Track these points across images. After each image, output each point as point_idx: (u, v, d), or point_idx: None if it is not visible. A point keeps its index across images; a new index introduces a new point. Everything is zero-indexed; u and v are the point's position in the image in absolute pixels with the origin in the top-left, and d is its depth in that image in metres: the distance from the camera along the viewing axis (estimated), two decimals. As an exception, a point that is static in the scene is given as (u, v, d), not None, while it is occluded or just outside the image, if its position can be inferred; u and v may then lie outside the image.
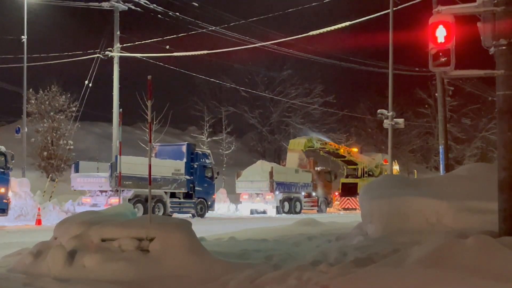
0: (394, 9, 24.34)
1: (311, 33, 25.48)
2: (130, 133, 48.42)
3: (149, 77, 9.38)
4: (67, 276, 7.98)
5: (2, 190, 21.23)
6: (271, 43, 30.28)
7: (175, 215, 26.13)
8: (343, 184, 40.77)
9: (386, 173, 35.36)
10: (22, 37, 29.65)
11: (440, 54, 8.07)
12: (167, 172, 26.11)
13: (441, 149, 17.79)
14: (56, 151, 34.94)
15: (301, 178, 35.43)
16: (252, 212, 33.62)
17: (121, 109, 22.00)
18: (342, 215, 34.53)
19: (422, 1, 22.04)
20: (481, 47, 8.37)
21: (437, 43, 8.09)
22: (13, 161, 22.18)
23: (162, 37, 30.40)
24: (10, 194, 21.79)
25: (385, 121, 25.62)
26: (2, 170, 21.46)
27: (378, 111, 25.91)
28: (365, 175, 40.19)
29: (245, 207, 33.90)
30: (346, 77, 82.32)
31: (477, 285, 5.85)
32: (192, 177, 27.81)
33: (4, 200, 21.39)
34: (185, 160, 27.54)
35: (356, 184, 39.07)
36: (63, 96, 36.10)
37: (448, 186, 10.97)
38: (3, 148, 21.73)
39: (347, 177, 41.59)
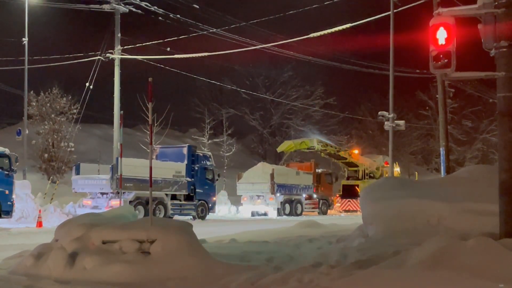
0: (395, 11, 24.39)
1: (312, 35, 25.48)
2: (131, 135, 48.49)
3: (150, 79, 9.39)
4: (68, 278, 7.99)
5: (7, 192, 21.26)
6: (272, 45, 30.26)
7: (176, 217, 26.13)
8: (344, 186, 40.77)
9: (387, 175, 35.36)
10: (23, 39, 29.66)
11: (441, 56, 8.08)
12: (168, 174, 26.09)
13: (442, 151, 17.76)
14: (57, 153, 34.94)
15: (302, 180, 35.43)
16: (253, 214, 33.61)
17: (122, 111, 22.01)
18: (343, 217, 34.53)
19: (423, 3, 22.07)
20: (481, 49, 8.38)
21: (438, 45, 8.10)
22: (17, 164, 22.21)
23: (163, 39, 30.44)
24: (14, 196, 21.81)
25: (386, 123, 25.64)
26: (7, 172, 21.48)
27: (379, 113, 25.94)
28: (366, 177, 40.17)
29: (246, 209, 33.89)
30: (347, 79, 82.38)
31: (478, 287, 5.85)
32: (193, 179, 27.79)
33: (9, 202, 21.42)
34: (186, 162, 27.52)
35: (357, 186, 39.08)
36: (64, 98, 36.12)
37: (449, 188, 10.97)
38: (7, 151, 21.76)
39: (348, 179, 41.58)
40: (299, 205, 34.90)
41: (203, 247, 9.06)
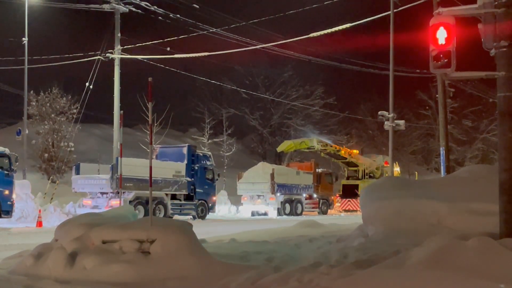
0: (395, 11, 24.38)
1: (312, 34, 25.48)
2: (131, 135, 48.49)
3: (150, 79, 9.39)
4: (68, 278, 7.99)
5: (7, 192, 21.27)
6: (272, 45, 30.27)
7: (176, 217, 26.13)
8: (344, 185, 40.77)
9: (387, 174, 35.36)
10: (23, 39, 29.66)
11: (441, 55, 8.08)
12: (168, 174, 26.08)
13: (442, 150, 17.77)
14: (57, 153, 34.96)
15: (302, 180, 35.43)
16: (253, 214, 33.61)
17: (121, 111, 21.99)
18: (343, 216, 34.52)
19: (423, 3, 22.07)
20: (481, 48, 8.37)
21: (438, 45, 8.09)
22: (17, 163, 22.21)
23: (162, 39, 30.46)
24: (14, 196, 21.81)
25: (386, 122, 25.63)
26: (6, 172, 21.48)
27: (379, 112, 25.93)
28: (366, 176, 40.18)
29: (247, 208, 33.90)
30: (347, 78, 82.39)
31: (477, 287, 5.85)
32: (193, 179, 27.78)
33: (9, 202, 21.42)
34: (186, 162, 27.51)
35: (357, 185, 39.04)
36: (64, 98, 36.14)
37: (449, 187, 10.97)
38: (7, 150, 21.75)
39: (348, 178, 41.59)
40: (299, 205, 34.91)
41: (203, 247, 9.05)
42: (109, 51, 29.96)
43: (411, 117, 55.55)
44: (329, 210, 38.20)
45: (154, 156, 27.63)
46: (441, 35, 8.08)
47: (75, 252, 8.41)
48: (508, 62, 7.89)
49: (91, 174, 25.47)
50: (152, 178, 9.54)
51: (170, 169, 26.37)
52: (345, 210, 39.41)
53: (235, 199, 34.84)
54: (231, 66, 55.01)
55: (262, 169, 34.06)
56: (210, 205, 29.16)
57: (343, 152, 40.09)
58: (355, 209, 37.54)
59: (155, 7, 29.87)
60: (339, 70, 58.16)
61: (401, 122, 26.18)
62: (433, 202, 10.25)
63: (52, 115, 35.42)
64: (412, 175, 51.05)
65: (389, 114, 25.26)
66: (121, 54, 30.15)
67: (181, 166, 27.11)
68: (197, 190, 28.15)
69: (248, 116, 56.11)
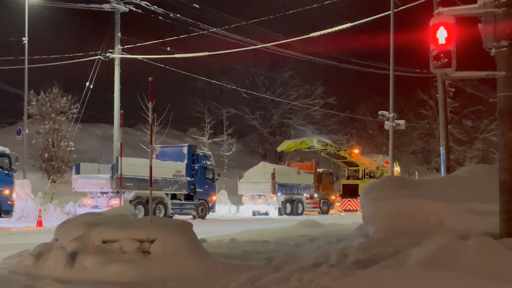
0: (395, 10, 24.37)
1: (312, 34, 25.50)
2: (131, 135, 48.52)
3: (150, 78, 9.39)
4: (68, 277, 7.99)
5: (7, 191, 21.26)
6: (272, 45, 30.28)
7: (176, 216, 26.13)
8: (344, 185, 40.79)
9: (387, 174, 35.35)
10: (23, 38, 29.65)
11: (441, 55, 8.08)
12: (168, 173, 26.09)
13: (442, 150, 17.73)
14: (57, 153, 34.96)
15: (303, 180, 35.44)
16: (254, 213, 33.63)
17: (122, 111, 22.05)
18: (343, 216, 34.53)
19: (423, 3, 22.06)
20: (482, 48, 8.37)
21: (438, 45, 8.09)
22: (17, 163, 22.21)
23: (163, 38, 30.48)
24: (14, 195, 21.82)
25: (386, 122, 25.61)
26: (6, 172, 21.48)
27: (379, 112, 25.91)
28: (366, 176, 40.19)
29: (247, 208, 33.91)
30: (347, 78, 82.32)
31: (478, 287, 5.85)
32: (193, 178, 27.79)
33: (9, 202, 21.43)
34: (186, 161, 27.53)
35: (357, 185, 39.06)
36: (64, 98, 36.14)
37: (449, 187, 10.95)
38: (7, 150, 21.76)
39: (348, 178, 41.60)
40: (300, 205, 34.93)
41: (203, 247, 9.05)
42: (109, 50, 29.97)
43: (411, 117, 55.58)
44: (330, 210, 38.22)
45: (154, 156, 27.62)
46: (441, 35, 8.08)
47: (75, 252, 8.41)
48: (508, 61, 7.89)
49: (91, 173, 25.47)
50: (152, 178, 9.54)
51: (170, 168, 26.38)
52: (345, 210, 39.43)
53: (236, 199, 34.85)
54: (231, 66, 55.08)
55: (263, 168, 34.08)
56: (210, 204, 29.18)
57: (343, 152, 40.10)
58: (355, 208, 37.55)
59: (155, 7, 29.91)
60: (339, 70, 58.10)
61: (401, 122, 26.17)
62: (433, 202, 10.23)
63: (52, 115, 35.42)
64: (412, 175, 51.03)
65: (389, 114, 25.25)
66: (121, 54, 30.16)
67: (181, 166, 27.12)
68: (197, 189, 28.16)
69: (248, 116, 56.16)
